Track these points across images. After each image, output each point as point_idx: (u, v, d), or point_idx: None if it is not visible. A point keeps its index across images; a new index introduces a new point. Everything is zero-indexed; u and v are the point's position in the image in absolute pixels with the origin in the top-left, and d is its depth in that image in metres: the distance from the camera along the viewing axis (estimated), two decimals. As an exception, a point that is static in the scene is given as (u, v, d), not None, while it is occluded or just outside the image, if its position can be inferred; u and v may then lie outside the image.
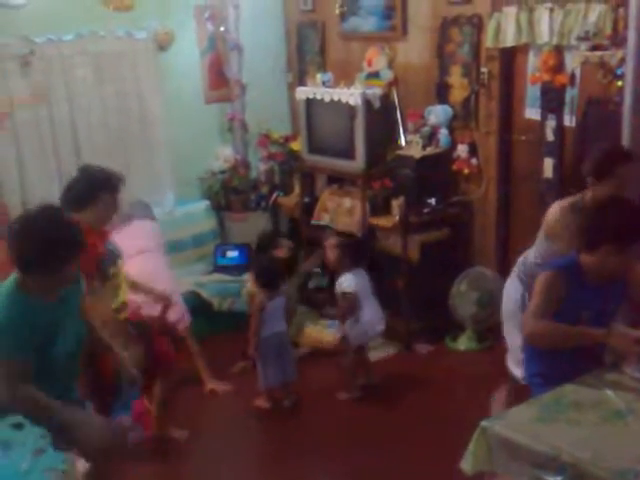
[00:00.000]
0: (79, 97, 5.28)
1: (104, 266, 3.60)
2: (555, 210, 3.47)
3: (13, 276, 2.67)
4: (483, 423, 2.58)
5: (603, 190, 3.28)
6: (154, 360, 3.85)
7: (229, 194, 5.95)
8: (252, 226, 5.79)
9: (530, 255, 3.75)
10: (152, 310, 4.12)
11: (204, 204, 5.89)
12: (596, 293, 2.97)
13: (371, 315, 4.47)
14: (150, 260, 4.63)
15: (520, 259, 3.86)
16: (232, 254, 5.64)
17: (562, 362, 2.92)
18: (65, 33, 5.16)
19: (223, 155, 6.05)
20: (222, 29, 5.96)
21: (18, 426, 2.54)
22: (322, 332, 5.10)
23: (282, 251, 4.90)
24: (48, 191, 4.93)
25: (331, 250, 4.52)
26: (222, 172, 5.98)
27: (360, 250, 4.63)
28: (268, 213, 5.91)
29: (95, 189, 3.61)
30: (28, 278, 2.62)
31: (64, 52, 5.18)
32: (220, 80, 6.07)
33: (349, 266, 4.45)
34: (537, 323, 2.88)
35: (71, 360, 2.82)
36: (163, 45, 5.63)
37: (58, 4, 5.04)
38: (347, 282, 4.39)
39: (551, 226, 3.47)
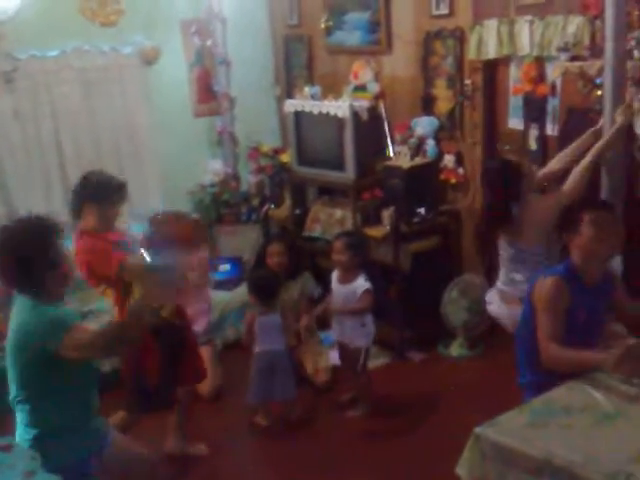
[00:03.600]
0: (64, 112, 5.32)
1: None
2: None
3: (21, 301, 2.75)
4: (476, 430, 2.63)
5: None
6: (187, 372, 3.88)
7: (220, 208, 6.00)
8: (244, 239, 5.84)
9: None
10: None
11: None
12: (590, 293, 3.09)
13: (370, 320, 4.44)
14: None
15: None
16: (224, 268, 5.68)
17: (556, 375, 2.96)
18: (50, 49, 5.20)
19: (213, 169, 6.10)
20: (209, 43, 6.02)
21: (6, 448, 2.58)
22: (319, 357, 4.92)
23: (273, 259, 4.86)
24: (34, 207, 5.00)
25: (342, 252, 4.34)
26: (212, 186, 6.03)
27: (364, 248, 4.53)
28: (259, 226, 5.96)
29: (80, 200, 3.70)
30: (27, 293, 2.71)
31: (49, 68, 5.21)
32: (208, 94, 6.13)
33: (360, 265, 4.36)
34: (552, 350, 2.94)
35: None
36: (150, 60, 5.68)
37: (42, 20, 5.06)
38: (366, 280, 4.31)
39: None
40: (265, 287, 4.37)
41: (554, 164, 4.13)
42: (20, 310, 2.75)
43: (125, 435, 3.28)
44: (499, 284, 4.07)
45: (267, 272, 4.57)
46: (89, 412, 2.90)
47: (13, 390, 2.81)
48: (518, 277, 3.91)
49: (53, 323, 2.68)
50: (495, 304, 4.08)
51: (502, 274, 4.05)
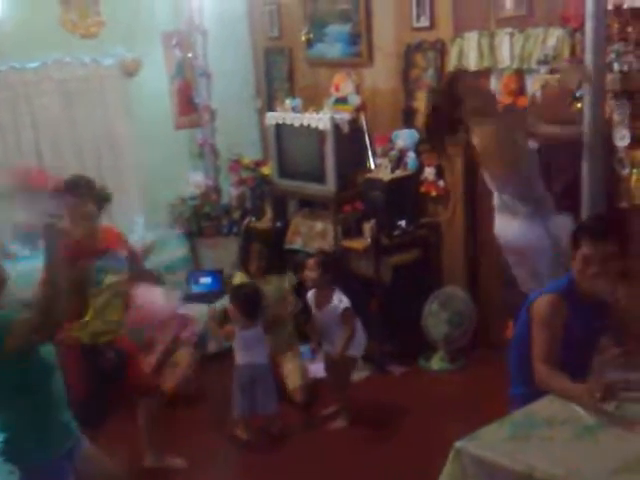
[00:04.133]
0: (45, 123, 5.29)
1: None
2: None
3: None
4: (457, 444, 2.61)
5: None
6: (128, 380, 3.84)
7: (201, 220, 5.97)
8: (224, 252, 5.81)
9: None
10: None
11: (175, 231, 5.89)
12: (587, 311, 3.05)
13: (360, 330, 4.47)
14: None
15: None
16: (205, 280, 5.65)
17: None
18: (30, 60, 5.17)
19: (194, 181, 6.07)
20: (190, 55, 6.01)
21: None
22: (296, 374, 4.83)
23: (254, 266, 4.92)
24: (14, 216, 4.95)
25: (313, 270, 4.40)
26: (193, 198, 6.01)
27: (338, 266, 4.59)
28: (240, 238, 5.94)
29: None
30: None
31: (29, 79, 5.18)
32: (189, 106, 6.11)
33: (330, 283, 4.38)
34: (541, 373, 2.91)
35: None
36: (130, 72, 5.66)
37: (22, 31, 5.03)
38: (344, 298, 4.33)
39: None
40: (249, 302, 4.35)
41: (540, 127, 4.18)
42: None
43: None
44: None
45: (250, 287, 4.55)
46: (53, 407, 2.88)
47: None
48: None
49: None
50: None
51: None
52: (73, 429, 2.96)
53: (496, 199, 4.22)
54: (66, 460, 2.88)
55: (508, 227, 4.15)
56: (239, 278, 5.03)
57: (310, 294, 4.48)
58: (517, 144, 3.97)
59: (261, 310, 4.40)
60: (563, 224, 3.96)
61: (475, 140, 4.08)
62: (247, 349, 4.29)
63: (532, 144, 4.09)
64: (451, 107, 4.07)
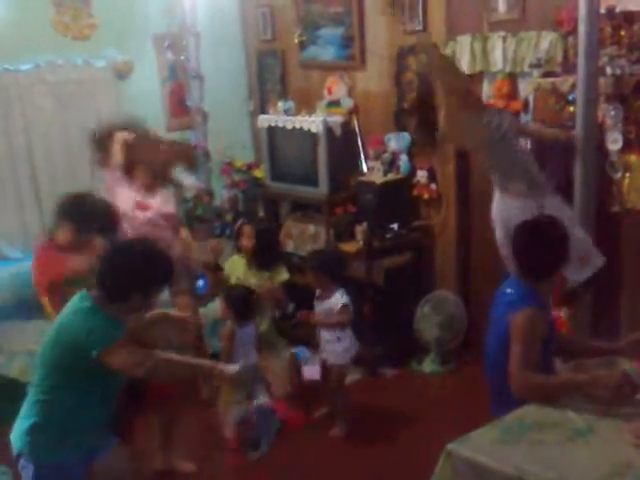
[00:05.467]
0: (37, 125, 5.28)
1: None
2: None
3: (84, 299, 2.83)
4: (448, 446, 2.61)
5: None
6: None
7: (193, 223, 5.95)
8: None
9: None
10: None
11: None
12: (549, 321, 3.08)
13: (351, 334, 4.43)
14: None
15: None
16: (198, 282, 5.63)
17: None
18: (23, 62, 5.16)
19: (186, 183, 6.06)
20: (182, 58, 6.00)
21: None
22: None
23: (243, 242, 4.81)
24: (6, 220, 5.08)
25: (309, 273, 4.42)
26: (185, 201, 5.99)
27: (334, 265, 4.47)
28: (232, 241, 5.92)
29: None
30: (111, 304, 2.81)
31: (22, 81, 5.18)
32: (181, 108, 6.09)
33: (329, 283, 4.35)
34: (524, 378, 2.86)
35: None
36: (123, 74, 5.66)
37: (15, 34, 5.03)
38: (344, 296, 4.32)
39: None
40: (243, 303, 4.35)
41: (532, 125, 4.29)
42: (76, 310, 2.82)
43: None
44: None
45: (243, 289, 4.54)
46: (93, 423, 2.88)
47: (36, 376, 2.86)
48: None
49: (106, 332, 2.76)
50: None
51: None
52: (104, 435, 2.95)
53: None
54: (84, 462, 2.87)
55: (501, 204, 4.15)
56: (233, 267, 4.93)
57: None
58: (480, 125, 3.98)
59: (254, 311, 4.40)
60: (559, 205, 3.96)
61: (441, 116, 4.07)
62: (241, 348, 4.26)
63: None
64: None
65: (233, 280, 4.79)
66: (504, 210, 4.09)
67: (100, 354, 2.71)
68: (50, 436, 2.80)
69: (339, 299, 4.31)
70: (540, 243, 3.02)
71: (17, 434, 2.83)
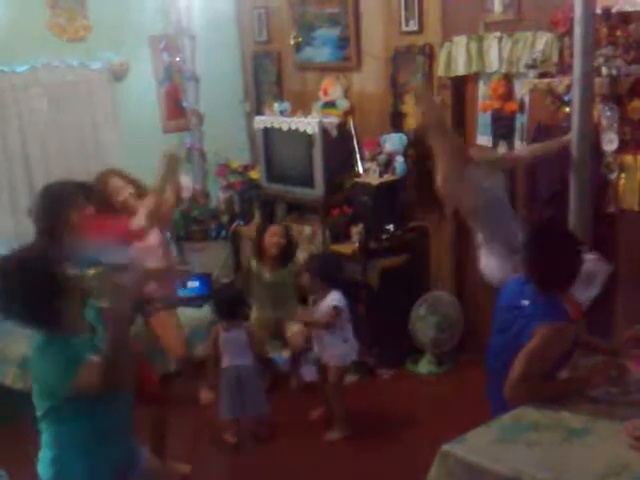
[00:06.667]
0: (33, 127, 5.28)
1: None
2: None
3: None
4: (444, 447, 2.61)
5: None
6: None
7: (189, 224, 5.96)
8: (212, 256, 5.81)
9: None
10: None
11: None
12: None
13: (352, 337, 4.43)
14: None
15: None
16: (193, 285, 5.60)
17: None
18: (18, 64, 5.16)
19: (182, 185, 6.05)
20: (178, 59, 6.00)
21: None
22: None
23: (272, 239, 4.91)
24: (0, 220, 5.08)
25: (304, 275, 4.44)
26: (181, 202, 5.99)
27: (328, 269, 4.46)
28: (228, 242, 5.93)
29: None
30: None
31: (17, 83, 5.18)
32: (177, 110, 6.09)
33: (324, 286, 4.34)
34: (529, 387, 2.82)
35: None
36: (118, 75, 5.67)
37: (10, 35, 5.03)
38: (338, 298, 4.30)
39: None
40: (229, 304, 4.33)
41: (522, 151, 4.23)
42: (34, 347, 2.65)
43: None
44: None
45: (232, 288, 4.54)
46: (114, 438, 2.76)
47: (38, 407, 2.72)
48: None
49: (67, 364, 2.56)
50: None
51: None
52: (126, 458, 2.82)
53: None
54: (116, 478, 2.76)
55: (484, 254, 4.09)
56: None
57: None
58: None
59: (243, 312, 4.41)
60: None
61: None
62: (231, 351, 4.27)
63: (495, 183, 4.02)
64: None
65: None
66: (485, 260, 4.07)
67: (74, 389, 2.54)
68: (74, 464, 2.68)
69: (330, 301, 4.30)
70: (565, 251, 2.98)
71: (43, 465, 2.71)
